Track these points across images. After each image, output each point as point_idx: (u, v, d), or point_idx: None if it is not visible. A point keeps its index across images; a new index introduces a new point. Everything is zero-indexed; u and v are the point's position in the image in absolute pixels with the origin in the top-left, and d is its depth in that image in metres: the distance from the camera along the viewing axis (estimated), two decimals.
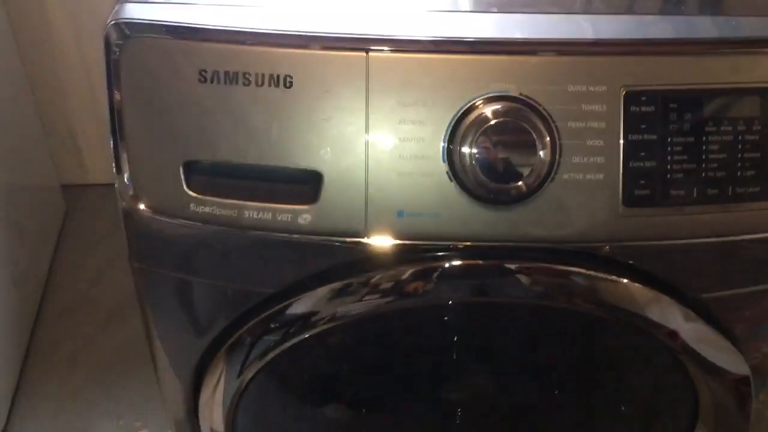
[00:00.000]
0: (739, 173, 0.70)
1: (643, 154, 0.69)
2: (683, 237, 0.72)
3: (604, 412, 0.98)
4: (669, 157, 0.69)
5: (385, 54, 0.68)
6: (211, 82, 0.68)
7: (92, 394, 1.48)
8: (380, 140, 0.69)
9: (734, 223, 0.72)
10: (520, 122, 0.68)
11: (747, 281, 0.77)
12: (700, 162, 0.70)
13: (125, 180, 0.72)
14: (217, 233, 0.72)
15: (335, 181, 0.70)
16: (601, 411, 0.98)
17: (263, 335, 0.79)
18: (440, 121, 0.68)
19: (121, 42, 0.68)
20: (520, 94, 0.68)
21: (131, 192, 0.73)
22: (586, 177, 0.69)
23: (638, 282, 0.75)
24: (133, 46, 0.69)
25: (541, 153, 0.68)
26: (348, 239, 0.72)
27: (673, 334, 0.78)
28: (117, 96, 0.70)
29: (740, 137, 0.70)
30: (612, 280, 0.75)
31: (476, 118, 0.68)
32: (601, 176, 0.69)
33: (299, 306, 0.77)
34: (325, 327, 0.78)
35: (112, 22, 0.69)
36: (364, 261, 0.73)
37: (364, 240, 0.71)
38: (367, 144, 0.69)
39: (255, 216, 0.71)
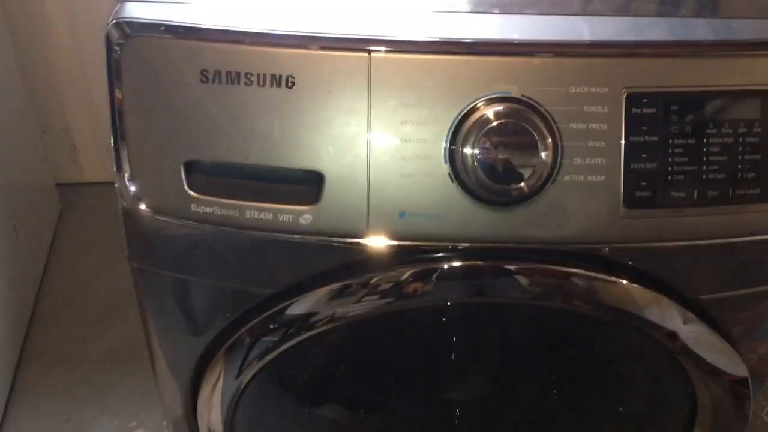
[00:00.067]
0: (739, 175, 0.71)
1: (644, 155, 0.69)
2: (683, 239, 0.72)
3: (602, 412, 0.98)
4: (670, 159, 0.70)
5: (387, 55, 0.68)
6: (213, 82, 0.68)
7: (87, 394, 1.48)
8: (382, 141, 0.69)
9: (734, 225, 0.72)
10: (522, 123, 0.68)
11: (746, 283, 0.77)
12: (701, 164, 0.70)
13: (126, 180, 0.72)
14: (218, 233, 0.72)
15: (336, 181, 0.70)
16: (598, 411, 0.98)
17: (262, 336, 0.79)
18: (442, 122, 0.68)
19: (122, 41, 0.68)
20: (522, 96, 0.68)
21: (132, 192, 0.72)
22: (588, 178, 0.69)
23: (637, 283, 0.75)
24: (135, 46, 0.68)
25: (543, 154, 0.68)
26: (349, 240, 0.72)
27: (672, 335, 0.78)
28: (118, 95, 0.70)
29: (741, 139, 0.70)
30: (611, 281, 0.75)
31: (478, 119, 0.68)
32: (602, 177, 0.69)
33: (298, 307, 0.77)
34: (324, 328, 0.77)
35: (113, 21, 0.68)
36: (365, 262, 0.73)
37: (365, 241, 0.71)
38: (368, 144, 0.69)
39: (256, 216, 0.71)
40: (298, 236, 0.71)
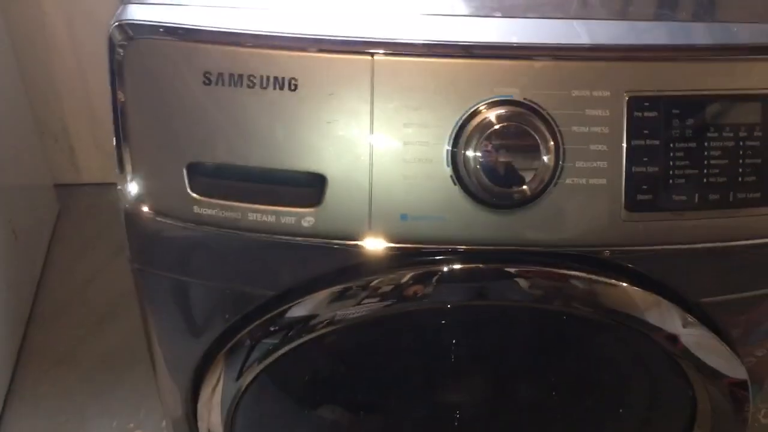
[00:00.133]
0: (739, 179, 0.71)
1: (645, 159, 0.69)
2: (684, 242, 0.72)
3: (602, 415, 0.98)
4: (671, 163, 0.70)
5: (389, 57, 0.68)
6: (216, 84, 0.68)
7: (85, 395, 1.47)
8: (384, 143, 0.69)
9: (735, 229, 0.72)
10: (524, 127, 0.68)
11: (747, 286, 0.77)
12: (702, 167, 0.70)
13: (128, 182, 0.72)
14: (220, 236, 0.72)
15: (339, 184, 0.70)
16: (598, 414, 0.98)
17: (263, 338, 0.79)
18: (444, 125, 0.69)
19: (124, 43, 0.68)
20: (524, 99, 0.68)
21: (134, 194, 0.72)
22: (589, 181, 0.70)
23: (638, 286, 0.75)
24: (137, 48, 0.69)
25: (545, 157, 0.68)
26: (351, 242, 0.72)
27: (672, 338, 0.78)
28: (120, 98, 0.70)
29: (741, 143, 0.70)
30: (611, 284, 0.75)
31: (480, 122, 0.68)
32: (603, 181, 0.70)
33: (299, 309, 0.77)
34: (324, 331, 0.77)
35: (116, 23, 0.68)
36: (367, 264, 0.73)
37: (367, 243, 0.72)
38: (371, 147, 0.69)
39: (258, 218, 0.71)
40: (299, 239, 0.71)
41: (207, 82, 0.68)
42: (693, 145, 0.70)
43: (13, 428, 1.42)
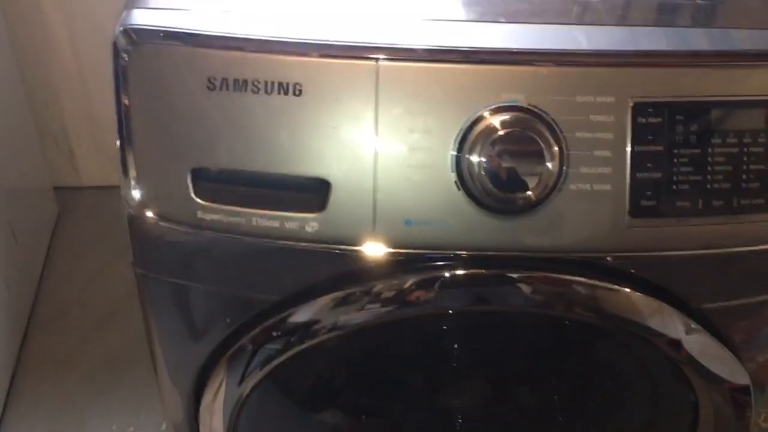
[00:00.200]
0: (743, 185, 0.71)
1: (649, 165, 0.70)
2: (688, 248, 0.72)
3: (604, 420, 0.99)
4: (675, 169, 0.70)
5: (394, 63, 0.68)
6: (220, 89, 0.68)
7: (85, 398, 1.47)
8: (389, 149, 0.69)
9: (738, 235, 0.72)
10: (529, 132, 0.68)
11: (750, 292, 0.77)
12: (706, 174, 0.70)
13: (132, 187, 0.72)
14: (224, 241, 0.72)
15: (343, 189, 0.70)
16: (600, 419, 0.98)
17: (265, 343, 0.79)
18: (449, 131, 0.69)
19: (129, 48, 0.68)
20: (529, 105, 0.68)
21: (138, 199, 0.72)
22: (593, 187, 0.70)
23: (640, 292, 0.75)
24: (142, 53, 0.69)
25: (549, 163, 0.68)
26: (355, 247, 0.72)
27: (675, 344, 0.78)
28: (124, 102, 0.70)
29: (745, 149, 0.70)
30: (613, 290, 0.75)
31: (485, 127, 0.68)
32: (607, 187, 0.70)
33: (301, 314, 0.77)
34: (326, 336, 0.77)
35: (121, 28, 0.68)
36: (370, 269, 0.73)
37: (371, 248, 0.72)
38: (375, 152, 0.69)
39: (262, 224, 0.71)
40: (303, 244, 0.71)
41: (211, 87, 0.68)
42: (697, 151, 0.70)
43: (13, 430, 1.42)
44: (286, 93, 0.68)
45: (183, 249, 0.75)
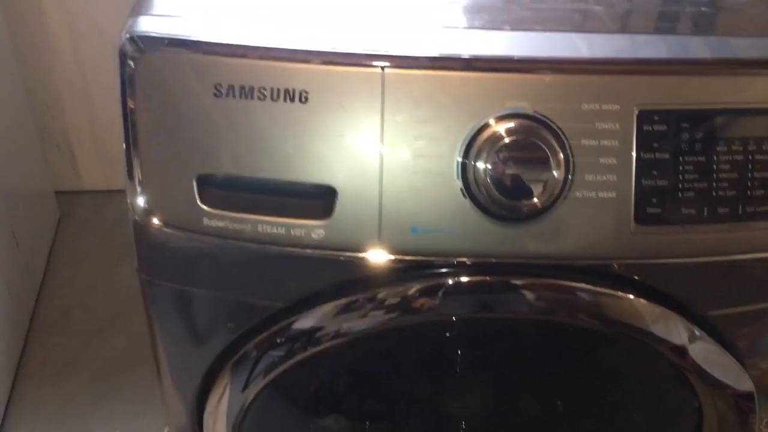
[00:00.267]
0: (749, 192, 0.71)
1: (655, 172, 0.70)
2: (693, 255, 0.72)
3: (606, 425, 0.99)
4: (680, 176, 0.70)
5: (399, 70, 0.68)
6: (226, 96, 0.68)
7: (86, 402, 1.47)
8: (394, 156, 0.69)
9: (744, 242, 0.73)
10: (534, 140, 0.68)
11: (755, 299, 0.77)
12: (711, 181, 0.70)
13: (138, 193, 0.72)
14: (230, 247, 0.72)
15: (349, 196, 0.70)
16: (603, 424, 0.98)
17: (269, 350, 0.79)
18: (455, 138, 0.69)
19: (136, 55, 0.68)
20: (535, 112, 0.68)
21: (144, 205, 0.72)
22: (599, 194, 0.70)
23: (645, 298, 0.76)
24: (148, 60, 0.69)
25: (555, 171, 0.69)
26: (360, 254, 0.72)
27: (679, 350, 0.78)
28: (131, 109, 0.70)
29: (750, 157, 0.70)
30: (617, 296, 0.75)
31: (491, 135, 0.68)
32: (613, 194, 0.70)
33: (305, 321, 0.77)
34: (330, 343, 0.77)
35: (127, 35, 0.68)
36: (376, 276, 0.73)
37: (377, 255, 0.72)
38: (381, 160, 0.69)
39: (268, 230, 0.71)
40: (309, 251, 0.71)
41: (218, 94, 0.68)
42: (702, 158, 0.70)
43: None
44: (292, 100, 0.68)
45: (188, 255, 0.75)
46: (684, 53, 0.71)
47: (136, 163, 0.71)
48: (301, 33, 0.69)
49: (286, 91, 0.68)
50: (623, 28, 0.75)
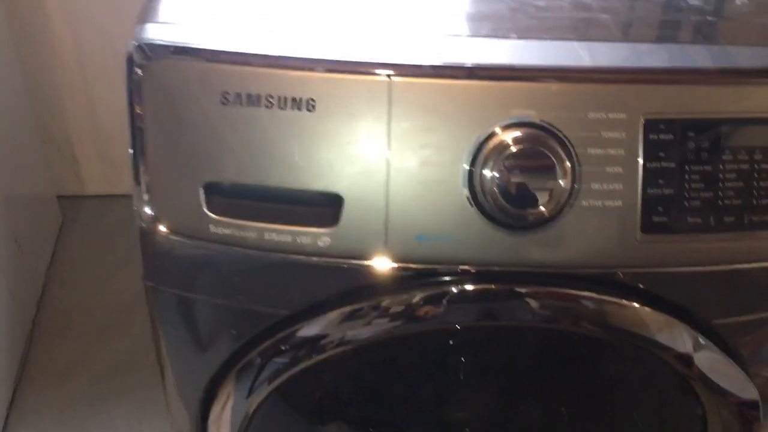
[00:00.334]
0: (754, 202, 0.71)
1: (661, 181, 0.70)
2: (699, 264, 0.73)
3: None
4: (687, 185, 0.70)
5: (406, 79, 0.68)
6: (234, 104, 0.68)
7: (88, 406, 1.47)
8: (401, 164, 0.69)
9: (749, 251, 0.73)
10: (541, 148, 0.68)
11: (760, 308, 0.77)
12: (717, 190, 0.70)
13: (144, 200, 0.72)
14: (236, 255, 0.72)
15: (355, 204, 0.70)
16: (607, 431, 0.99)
17: (273, 357, 0.79)
18: (462, 146, 0.69)
19: (144, 63, 0.68)
20: (541, 121, 0.68)
21: (150, 212, 0.72)
22: (605, 203, 0.70)
23: (650, 307, 0.76)
24: (156, 68, 0.69)
25: (561, 179, 0.69)
26: (366, 262, 0.72)
27: (684, 359, 0.78)
28: (138, 117, 0.70)
29: (756, 166, 0.71)
30: (621, 305, 0.75)
31: (497, 143, 0.68)
32: (619, 203, 0.70)
33: (309, 329, 0.77)
34: (334, 351, 0.77)
35: (135, 43, 0.69)
36: (381, 284, 0.73)
37: (383, 263, 0.72)
38: (388, 168, 0.69)
39: (275, 238, 0.71)
40: (315, 258, 0.71)
41: (225, 102, 0.68)
42: (708, 167, 0.70)
43: None
44: (299, 108, 0.68)
45: (194, 263, 0.75)
46: (691, 62, 0.71)
47: (142, 170, 0.71)
48: (308, 41, 0.69)
49: (294, 99, 0.68)
50: (630, 37, 0.75)
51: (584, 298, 0.75)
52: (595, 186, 0.70)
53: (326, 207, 0.70)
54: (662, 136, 0.69)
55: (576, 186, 0.69)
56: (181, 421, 0.91)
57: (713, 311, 0.77)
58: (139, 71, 0.69)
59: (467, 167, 0.69)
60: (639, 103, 0.69)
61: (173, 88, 0.69)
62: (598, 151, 0.69)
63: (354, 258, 0.72)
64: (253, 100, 0.68)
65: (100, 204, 1.94)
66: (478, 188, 0.69)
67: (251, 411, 0.84)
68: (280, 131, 0.69)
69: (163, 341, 0.84)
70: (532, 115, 0.68)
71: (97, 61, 1.80)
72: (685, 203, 0.70)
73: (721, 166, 0.70)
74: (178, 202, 0.72)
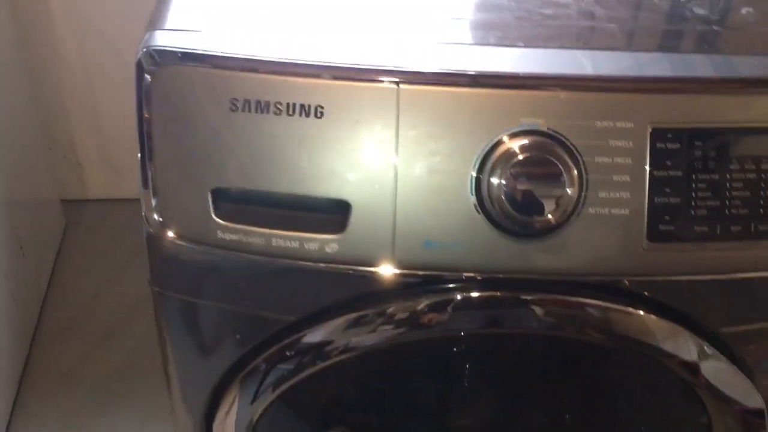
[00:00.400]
0: (761, 210, 0.71)
1: (668, 190, 0.70)
2: (706, 272, 0.73)
3: None
4: (693, 194, 0.70)
5: (414, 87, 0.68)
6: (242, 110, 0.68)
7: (90, 411, 1.47)
8: (409, 171, 0.69)
9: (756, 260, 0.73)
10: (548, 157, 0.68)
11: (767, 316, 0.77)
12: (724, 199, 0.71)
13: (153, 206, 0.72)
14: (244, 261, 0.72)
15: (363, 210, 0.70)
16: None
17: (278, 363, 0.79)
18: (469, 154, 0.69)
19: (153, 69, 0.69)
20: (549, 129, 0.69)
21: (158, 218, 0.73)
22: (612, 211, 0.70)
23: (656, 315, 0.76)
24: (165, 75, 0.69)
25: (568, 188, 0.69)
26: (374, 269, 0.72)
27: (689, 366, 0.78)
28: (146, 122, 0.70)
29: (763, 175, 0.71)
30: (626, 312, 0.75)
31: (505, 151, 0.68)
32: (626, 211, 0.70)
33: (314, 335, 0.77)
34: (339, 358, 0.77)
35: (144, 49, 0.69)
36: (388, 291, 0.74)
37: (390, 270, 0.72)
38: (395, 175, 0.69)
39: (282, 244, 0.71)
40: (323, 265, 0.72)
41: (233, 108, 0.68)
42: (715, 176, 0.70)
43: None
44: (307, 115, 0.68)
45: (202, 268, 0.75)
46: (697, 72, 0.71)
47: (151, 176, 0.71)
48: (317, 48, 0.70)
49: (302, 106, 0.68)
50: (637, 47, 0.76)
51: (589, 305, 0.75)
52: (602, 194, 0.70)
53: (334, 213, 0.70)
54: (669, 145, 0.69)
55: (583, 194, 0.70)
56: (186, 426, 0.91)
57: (719, 320, 0.77)
58: (148, 77, 0.69)
59: (475, 174, 0.69)
60: (646, 112, 0.69)
61: (182, 94, 0.69)
62: (605, 160, 0.69)
63: (361, 264, 0.72)
64: (262, 106, 0.68)
65: (103, 208, 1.94)
66: (485, 195, 0.69)
67: (256, 417, 0.84)
68: (289, 138, 0.69)
69: (168, 346, 0.84)
70: (540, 123, 0.69)
71: (101, 65, 1.80)
72: (692, 212, 0.71)
73: (727, 175, 0.70)
74: (185, 207, 0.72)
